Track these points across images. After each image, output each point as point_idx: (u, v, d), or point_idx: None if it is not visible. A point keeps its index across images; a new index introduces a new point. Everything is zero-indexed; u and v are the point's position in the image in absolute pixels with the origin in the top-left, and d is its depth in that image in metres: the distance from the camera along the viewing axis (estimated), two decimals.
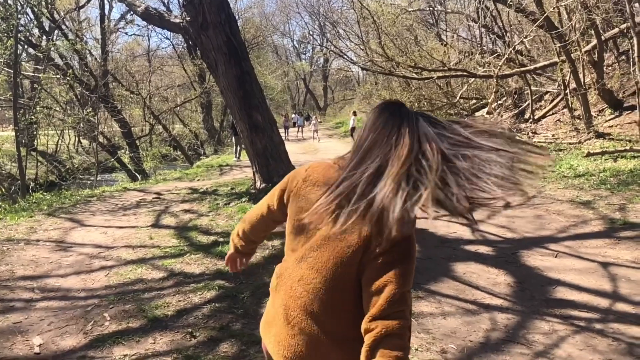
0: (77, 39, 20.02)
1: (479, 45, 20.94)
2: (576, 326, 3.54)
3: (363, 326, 1.28)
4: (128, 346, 3.35)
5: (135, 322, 3.72)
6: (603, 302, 3.92)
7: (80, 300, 4.18)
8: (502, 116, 16.02)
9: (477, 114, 17.34)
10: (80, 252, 5.61)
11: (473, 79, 17.38)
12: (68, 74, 16.11)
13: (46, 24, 19.90)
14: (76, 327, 3.66)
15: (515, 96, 17.23)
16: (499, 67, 14.98)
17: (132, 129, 22.76)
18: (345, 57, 28.24)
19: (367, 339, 1.25)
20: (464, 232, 6.04)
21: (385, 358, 1.20)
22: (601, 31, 12.33)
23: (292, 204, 1.50)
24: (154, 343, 3.39)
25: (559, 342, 3.33)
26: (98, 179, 16.79)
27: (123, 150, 20.92)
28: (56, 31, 20.66)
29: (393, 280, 1.27)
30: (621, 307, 3.82)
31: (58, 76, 17.36)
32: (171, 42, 36.77)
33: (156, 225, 6.90)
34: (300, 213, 1.45)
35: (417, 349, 3.25)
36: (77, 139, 23.66)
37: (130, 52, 33.32)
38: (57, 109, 18.32)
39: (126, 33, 34.59)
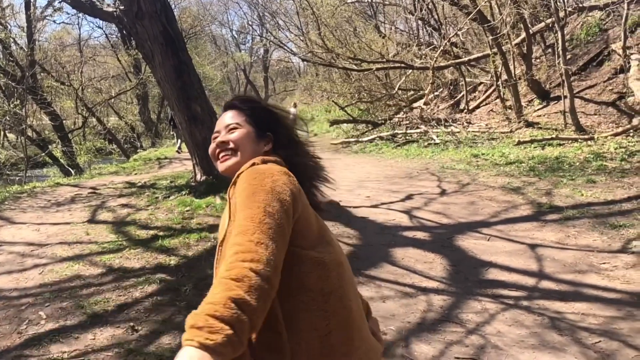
0: (0, 27, 18.88)
1: (416, 38, 21.44)
2: (505, 304, 3.76)
3: None
4: (66, 343, 3.28)
5: (73, 319, 3.63)
6: (530, 281, 4.18)
7: (13, 300, 4.03)
8: (438, 107, 16.53)
9: (414, 104, 17.78)
10: (10, 250, 5.39)
11: (410, 71, 17.81)
12: None
13: None
14: (9, 327, 3.54)
15: (451, 87, 17.81)
16: (435, 59, 15.43)
17: (64, 122, 21.77)
18: (285, 48, 28.22)
19: None
20: (403, 219, 6.24)
21: None
22: (529, 25, 12.95)
23: (302, 206, 1.29)
24: (94, 339, 3.33)
25: (489, 319, 3.53)
26: (27, 174, 15.99)
27: (54, 145, 19.99)
28: None
29: None
30: (546, 284, 4.09)
31: None
32: (104, 31, 35.29)
33: (92, 220, 6.70)
34: (310, 208, 1.35)
35: None
36: (2, 133, 22.38)
37: (60, 41, 31.74)
38: None
39: (54, 21, 32.90)
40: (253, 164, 1.32)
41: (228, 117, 1.48)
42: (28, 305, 3.91)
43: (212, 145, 1.48)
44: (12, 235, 6.01)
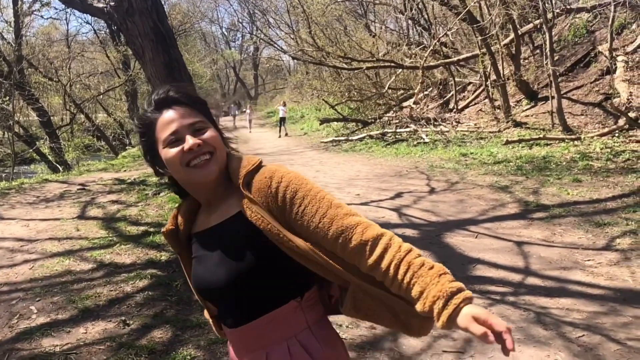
0: None
1: (406, 37, 21.55)
2: (492, 300, 3.84)
3: None
4: (58, 337, 3.29)
5: (64, 313, 3.65)
6: (516, 277, 4.26)
7: (4, 295, 4.03)
8: (428, 106, 16.64)
9: (404, 104, 17.88)
10: None
11: (400, 70, 17.90)
12: None
13: None
14: (0, 322, 3.54)
15: (441, 87, 17.93)
16: (424, 59, 15.53)
17: (52, 118, 21.56)
18: (275, 45, 28.20)
19: None
20: (392, 217, 6.31)
21: None
22: (518, 26, 13.08)
23: None
24: (86, 333, 3.35)
25: None
26: (15, 171, 15.85)
27: (42, 141, 19.81)
28: None
29: None
30: (532, 281, 4.17)
31: None
32: (92, 26, 35.04)
33: (82, 216, 6.69)
34: None
35: (347, 326, 3.42)
36: None
37: (47, 36, 31.42)
38: None
39: (42, 16, 32.63)
40: (261, 163, 1.28)
41: (184, 115, 1.25)
42: (19, 299, 3.92)
43: (179, 150, 1.23)
44: (1, 231, 5.99)
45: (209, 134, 1.25)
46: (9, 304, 3.83)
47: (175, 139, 1.23)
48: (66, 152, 19.87)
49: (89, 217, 6.67)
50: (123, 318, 3.53)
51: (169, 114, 1.25)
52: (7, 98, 16.42)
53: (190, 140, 1.21)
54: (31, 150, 18.69)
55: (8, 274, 4.52)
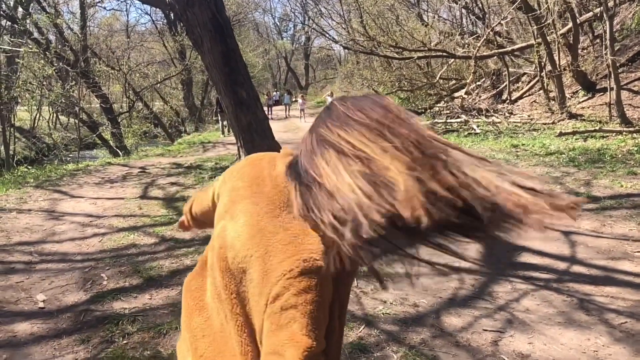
0: (56, 12, 19.71)
1: (459, 26, 21.21)
2: (536, 285, 3.91)
3: None
4: (127, 301, 3.63)
5: (131, 281, 3.99)
6: (562, 265, 4.30)
7: (78, 263, 4.43)
8: (480, 97, 16.41)
9: (456, 94, 17.69)
10: (72, 220, 5.84)
11: (453, 60, 17.69)
12: (51, 49, 15.97)
13: None
14: (76, 286, 3.92)
15: (494, 77, 17.62)
16: (477, 48, 15.31)
17: (112, 105, 22.58)
18: (327, 35, 28.25)
19: None
20: None
21: None
22: (577, 14, 12.70)
23: None
24: (151, 299, 3.67)
25: (519, 298, 3.69)
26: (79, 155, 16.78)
27: (104, 127, 20.81)
28: (32, 4, 20.29)
29: None
30: (577, 269, 4.20)
31: (37, 50, 17.14)
32: (151, 17, 36.16)
33: (144, 196, 7.12)
34: None
35: (392, 303, 3.59)
36: (55, 115, 23.43)
37: (109, 27, 32.74)
38: (35, 84, 18.12)
39: (104, 7, 33.98)
40: None
41: None
42: (91, 268, 4.31)
43: None
44: (73, 207, 6.48)
45: None
46: (82, 271, 4.22)
47: None
48: (125, 137, 20.78)
49: (150, 197, 7.09)
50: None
51: None
52: (74, 83, 17.35)
53: None
54: (94, 135, 19.69)
55: (80, 245, 4.94)
